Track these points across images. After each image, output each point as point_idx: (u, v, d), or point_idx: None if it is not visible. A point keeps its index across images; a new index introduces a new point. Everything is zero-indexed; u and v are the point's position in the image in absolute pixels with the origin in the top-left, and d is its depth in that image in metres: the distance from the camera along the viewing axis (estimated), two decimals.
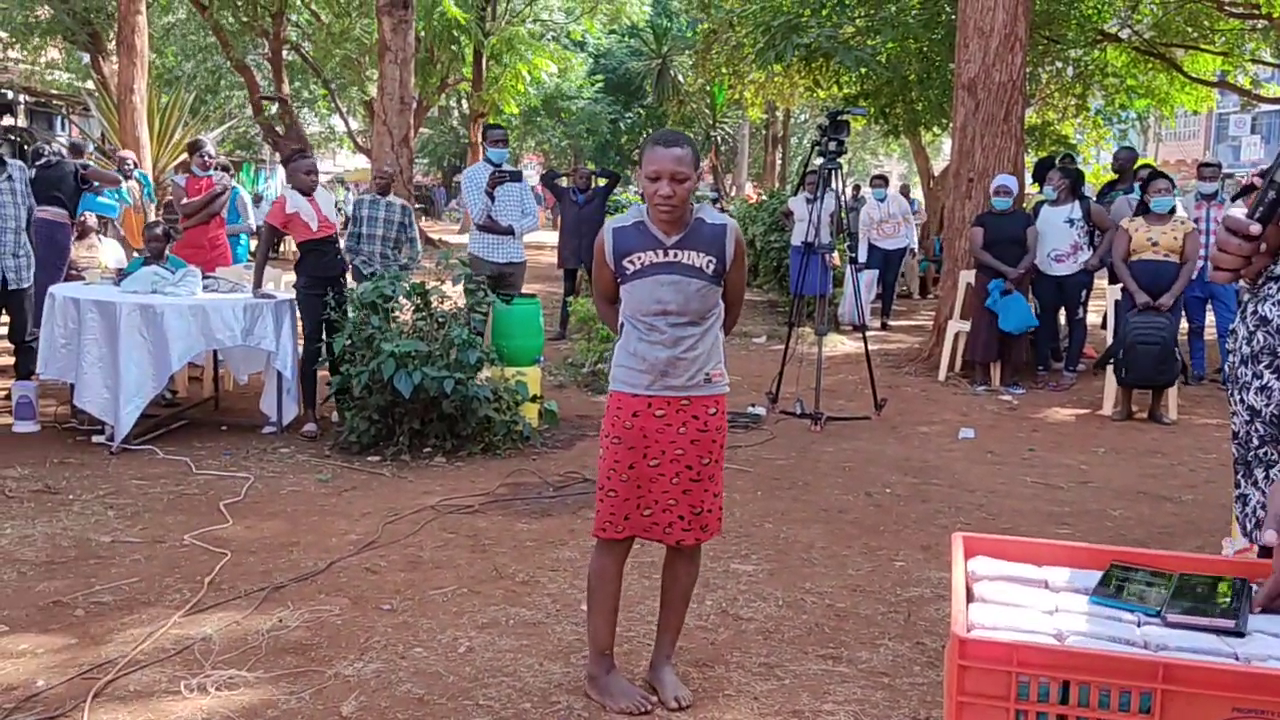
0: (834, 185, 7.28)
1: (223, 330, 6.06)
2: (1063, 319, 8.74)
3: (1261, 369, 1.60)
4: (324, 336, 6.29)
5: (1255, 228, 1.56)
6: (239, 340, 6.15)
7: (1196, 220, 7.94)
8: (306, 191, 6.28)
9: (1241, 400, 1.64)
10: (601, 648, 3.10)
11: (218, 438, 6.27)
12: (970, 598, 1.46)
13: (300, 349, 6.45)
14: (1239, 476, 1.69)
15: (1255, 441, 1.63)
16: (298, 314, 6.43)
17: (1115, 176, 9.97)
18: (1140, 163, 10.11)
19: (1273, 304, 1.58)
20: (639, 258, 2.92)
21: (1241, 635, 1.35)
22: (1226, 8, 13.15)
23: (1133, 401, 7.41)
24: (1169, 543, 4.71)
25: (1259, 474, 1.64)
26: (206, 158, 7.89)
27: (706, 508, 3.05)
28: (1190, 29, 13.90)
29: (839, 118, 7.07)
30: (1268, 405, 1.59)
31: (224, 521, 4.71)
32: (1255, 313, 1.61)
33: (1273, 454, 1.61)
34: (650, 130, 35.76)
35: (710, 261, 2.93)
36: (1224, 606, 1.39)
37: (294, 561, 4.23)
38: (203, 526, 4.61)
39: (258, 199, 18.47)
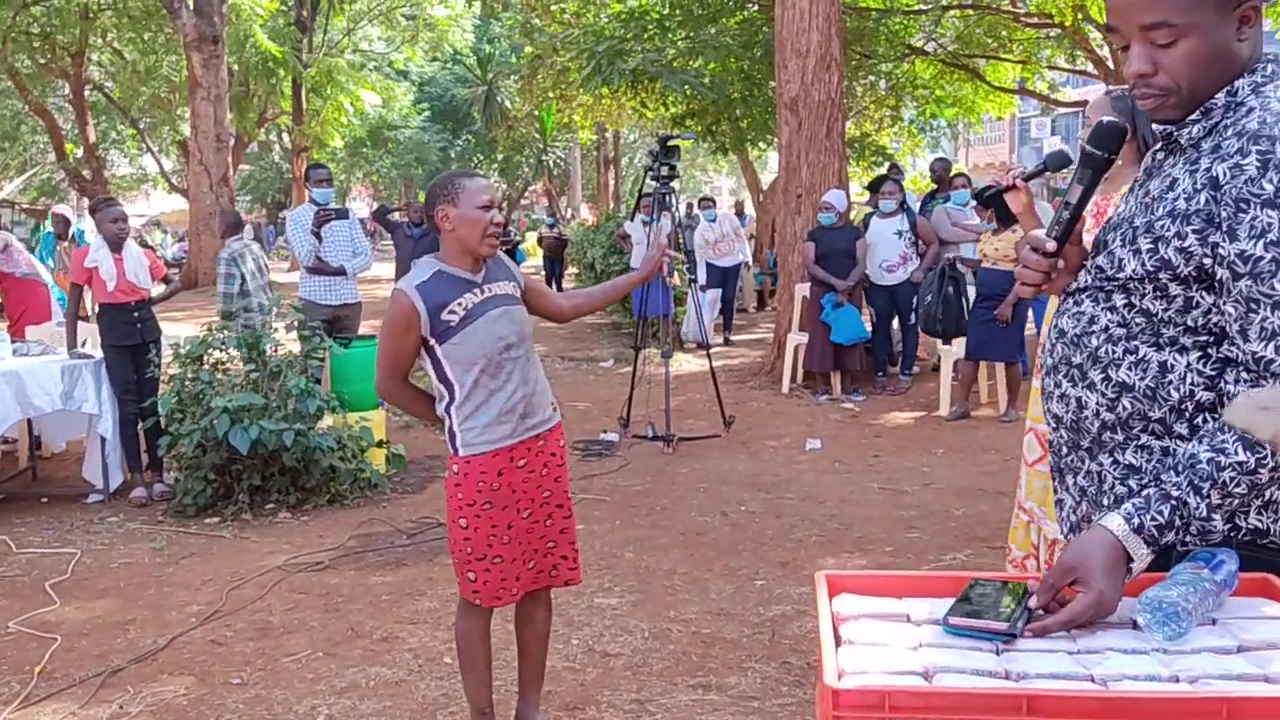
0: (669, 207, 7.37)
1: (40, 396, 5.69)
2: (896, 325, 9.06)
3: (1060, 379, 1.68)
4: (138, 397, 5.96)
5: (1051, 245, 1.67)
6: (58, 405, 5.78)
7: None
8: (115, 243, 5.93)
9: (1048, 409, 1.72)
10: (481, 707, 3.00)
11: (38, 511, 5.86)
12: (838, 640, 1.46)
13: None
14: (1055, 483, 1.77)
15: (1064, 450, 1.71)
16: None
17: (934, 186, 10.41)
18: (955, 170, 10.58)
19: (1069, 317, 1.67)
20: (460, 304, 2.78)
21: (1015, 636, 1.39)
22: (1022, 19, 13.96)
23: (969, 400, 7.72)
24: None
25: (1069, 480, 1.72)
26: None
27: (575, 539, 3.03)
28: (990, 40, 14.71)
29: (669, 143, 7.16)
30: (1066, 412, 1.67)
31: (51, 603, 4.39)
32: (1056, 325, 1.70)
33: (1075, 461, 1.68)
34: (481, 156, 35.63)
35: (515, 287, 2.94)
36: (1005, 614, 1.44)
37: (131, 641, 3.98)
38: (28, 610, 4.30)
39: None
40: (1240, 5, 1.49)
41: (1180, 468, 1.48)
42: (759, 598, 4.25)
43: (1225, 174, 1.45)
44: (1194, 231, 1.48)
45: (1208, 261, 1.48)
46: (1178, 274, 1.51)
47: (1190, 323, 1.53)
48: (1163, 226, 1.51)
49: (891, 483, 6.01)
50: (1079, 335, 1.64)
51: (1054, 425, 1.72)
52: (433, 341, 2.79)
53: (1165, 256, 1.51)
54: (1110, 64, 14.31)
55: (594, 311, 3.35)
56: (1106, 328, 1.60)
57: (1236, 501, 1.46)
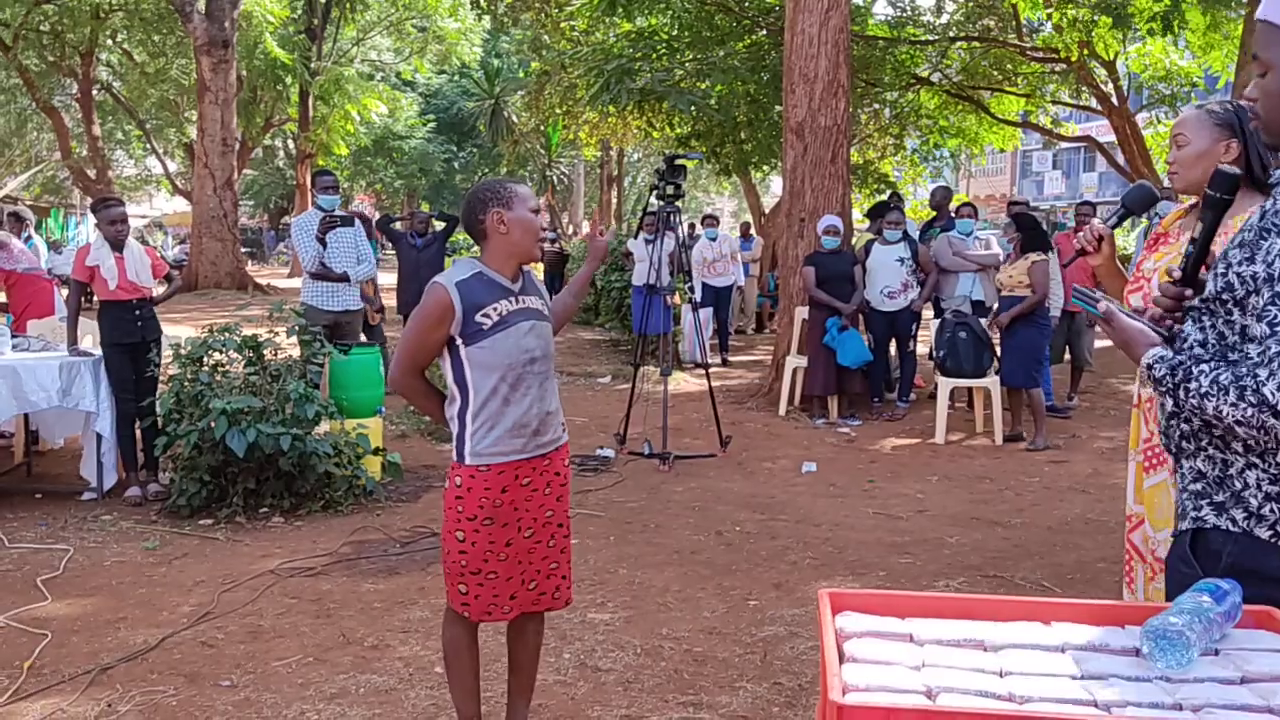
0: (673, 226, 7.40)
1: (37, 392, 5.68)
2: (894, 351, 9.07)
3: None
4: (136, 396, 5.96)
5: (1177, 273, 1.88)
6: (55, 402, 5.77)
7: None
8: (114, 243, 5.94)
9: (1158, 417, 2.00)
10: (468, 717, 2.98)
11: (32, 507, 5.85)
12: (841, 657, 1.47)
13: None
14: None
15: (1170, 450, 1.87)
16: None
17: (934, 214, 10.43)
18: (957, 200, 10.61)
19: (1180, 333, 1.84)
20: (495, 309, 2.77)
21: (1097, 301, 1.87)
22: (1028, 52, 14.05)
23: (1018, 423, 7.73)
24: (1003, 566, 4.92)
25: (1175, 479, 1.95)
26: None
27: (571, 558, 3.02)
28: (996, 72, 14.81)
29: (675, 162, 7.19)
30: (1163, 420, 1.86)
31: (42, 599, 4.37)
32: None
33: (1174, 463, 1.86)
34: (486, 170, 35.70)
35: (545, 304, 2.94)
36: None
37: (122, 639, 3.96)
38: (19, 605, 4.28)
39: (58, 246, 17.50)
40: None
41: (1213, 375, 1.63)
42: (752, 618, 4.24)
43: (1270, 206, 1.62)
44: (1245, 259, 1.63)
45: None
46: (1235, 298, 1.65)
47: (1248, 351, 1.65)
48: (1231, 254, 1.67)
49: (886, 508, 6.01)
50: (1177, 350, 1.80)
51: (1160, 430, 1.89)
52: (460, 342, 2.76)
53: (1229, 280, 1.65)
54: (1114, 100, 14.40)
55: (571, 315, 3.39)
56: (1192, 346, 1.74)
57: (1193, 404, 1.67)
